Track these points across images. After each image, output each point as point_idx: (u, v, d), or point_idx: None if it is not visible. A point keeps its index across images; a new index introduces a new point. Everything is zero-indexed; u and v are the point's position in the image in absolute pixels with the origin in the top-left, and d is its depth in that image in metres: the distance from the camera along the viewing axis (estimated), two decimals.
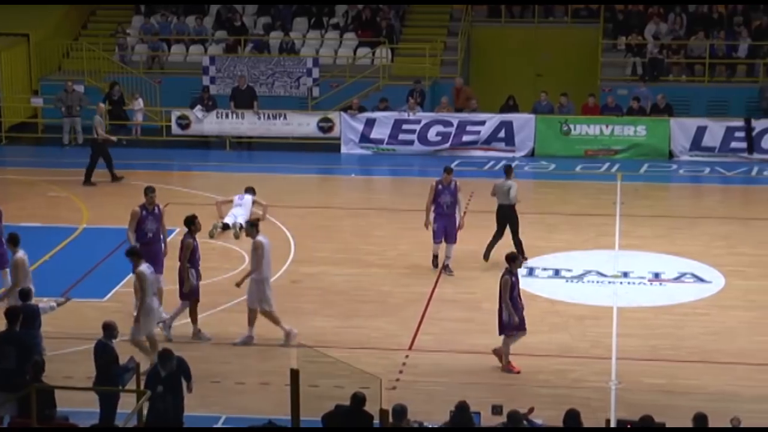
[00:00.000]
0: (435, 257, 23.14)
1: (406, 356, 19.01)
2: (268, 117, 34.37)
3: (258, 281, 19.18)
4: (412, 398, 16.40)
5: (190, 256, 19.44)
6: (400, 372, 18.27)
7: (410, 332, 20.00)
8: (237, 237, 25.01)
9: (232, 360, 18.72)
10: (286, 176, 31.29)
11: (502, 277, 18.19)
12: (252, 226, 19.53)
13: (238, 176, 29.99)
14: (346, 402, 14.55)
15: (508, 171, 23.97)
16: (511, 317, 18.12)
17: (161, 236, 20.66)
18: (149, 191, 20.87)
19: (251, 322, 19.32)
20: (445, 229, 22.91)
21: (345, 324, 20.41)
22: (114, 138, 31.14)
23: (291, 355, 14.67)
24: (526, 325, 18.38)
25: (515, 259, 18.45)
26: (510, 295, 18.12)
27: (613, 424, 14.98)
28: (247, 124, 34.41)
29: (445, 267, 22.95)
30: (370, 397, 14.37)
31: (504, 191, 23.53)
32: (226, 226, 25.59)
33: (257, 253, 19.12)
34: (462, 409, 14.30)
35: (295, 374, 14.07)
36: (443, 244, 23.02)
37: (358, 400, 14.43)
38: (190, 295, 19.59)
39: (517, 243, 23.30)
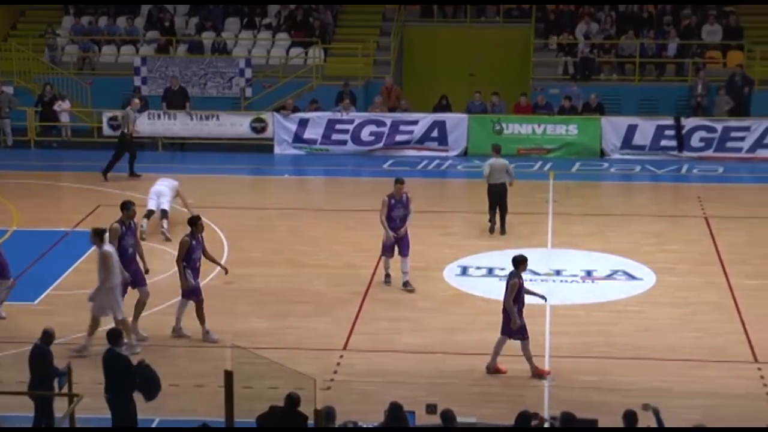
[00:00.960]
0: (388, 275, 22.29)
1: (341, 356, 19.01)
2: (201, 118, 34.23)
3: (108, 289, 18.79)
4: (346, 398, 16.42)
5: (186, 255, 19.32)
6: (335, 372, 18.28)
7: (344, 332, 20.01)
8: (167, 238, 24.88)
9: (166, 362, 18.59)
10: (220, 177, 31.19)
11: (509, 279, 18.00)
12: (96, 235, 18.89)
13: (171, 177, 29.80)
14: (281, 403, 14.53)
15: (497, 149, 25.59)
16: (513, 321, 17.89)
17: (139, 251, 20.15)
18: (129, 206, 20.06)
19: (92, 331, 18.88)
20: (397, 244, 22.10)
21: (279, 325, 20.37)
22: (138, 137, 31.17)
23: (225, 356, 14.61)
24: (528, 332, 18.11)
25: (523, 262, 18.15)
26: (516, 299, 17.90)
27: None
28: (180, 124, 34.25)
29: (405, 284, 22.03)
30: (305, 398, 14.35)
31: (502, 169, 25.15)
32: (150, 213, 25.50)
33: (106, 263, 18.68)
34: (395, 408, 14.33)
35: (229, 376, 14.04)
36: (395, 259, 22.14)
37: (293, 401, 14.42)
38: (190, 294, 19.48)
39: (504, 221, 25.12)
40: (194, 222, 19.59)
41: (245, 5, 38.62)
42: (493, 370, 18.24)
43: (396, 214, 22.03)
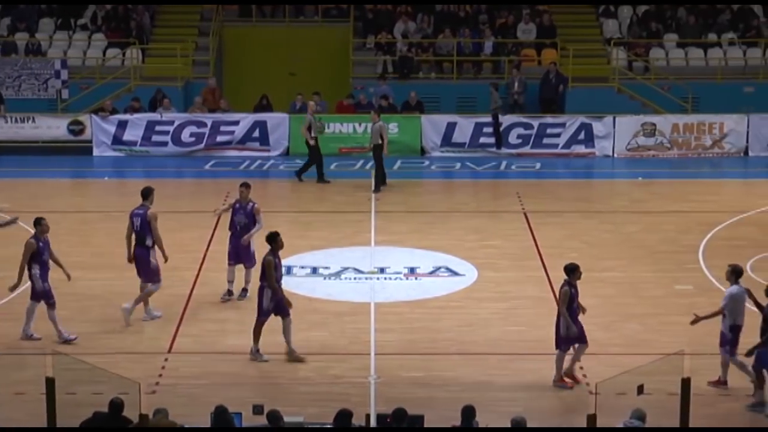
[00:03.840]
0: (231, 282, 21.49)
1: (166, 359, 18.80)
2: (16, 120, 33.50)
3: None
4: (172, 401, 16.21)
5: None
6: (160, 375, 18.06)
7: (169, 335, 19.80)
8: None
9: None
10: (38, 180, 30.55)
11: (561, 288, 17.58)
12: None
13: None
14: (105, 408, 14.31)
15: (377, 112, 29.52)
16: (569, 329, 17.45)
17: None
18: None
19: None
20: (238, 252, 21.31)
21: (102, 329, 20.05)
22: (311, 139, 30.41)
23: (46, 363, 14.32)
24: (586, 338, 17.73)
25: (574, 270, 17.67)
26: (569, 307, 17.47)
27: (372, 419, 15.13)
28: None
29: (244, 290, 21.47)
30: (130, 403, 14.16)
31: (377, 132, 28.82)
32: None
33: None
34: (220, 412, 14.25)
35: (50, 383, 13.76)
36: (238, 269, 21.42)
37: (116, 406, 14.22)
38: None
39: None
40: (273, 238, 18.93)
41: (60, 5, 37.87)
42: (558, 384, 17.72)
43: (238, 220, 21.31)
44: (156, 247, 20.58)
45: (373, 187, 29.33)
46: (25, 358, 18.67)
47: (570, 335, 17.53)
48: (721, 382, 17.58)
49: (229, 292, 21.49)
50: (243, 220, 21.29)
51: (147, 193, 21.09)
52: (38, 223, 19.53)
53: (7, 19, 37.65)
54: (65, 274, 19.72)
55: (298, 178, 30.42)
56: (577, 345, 17.76)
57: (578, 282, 17.82)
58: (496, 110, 33.63)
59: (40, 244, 19.34)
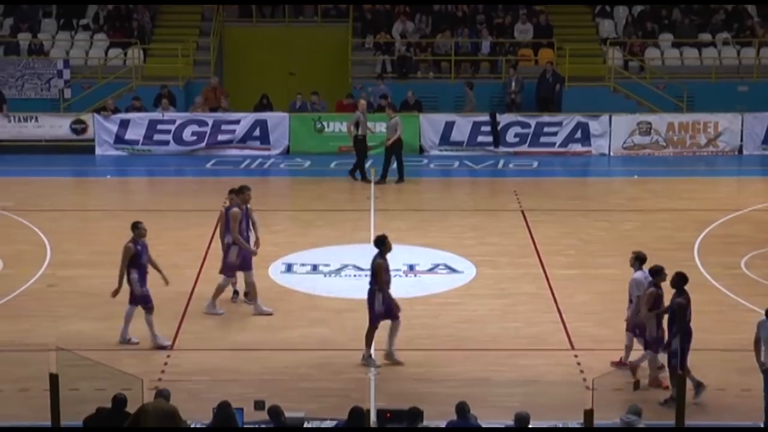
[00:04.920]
0: (236, 292, 21.18)
1: (168, 356, 18.81)
2: (19, 120, 33.49)
3: None
4: (174, 398, 16.18)
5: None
6: (162, 372, 18.07)
7: (171, 332, 19.79)
8: None
9: None
10: (40, 179, 30.55)
11: (647, 289, 17.33)
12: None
13: None
14: (108, 404, 14.33)
15: (393, 108, 30.08)
16: (652, 332, 17.19)
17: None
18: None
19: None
20: (246, 258, 20.58)
21: (104, 326, 20.03)
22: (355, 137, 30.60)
23: (50, 360, 14.33)
24: (662, 345, 17.22)
25: (659, 272, 17.37)
26: (653, 308, 17.16)
27: (373, 414, 15.13)
28: None
29: (246, 294, 20.95)
30: (133, 399, 14.19)
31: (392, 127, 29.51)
32: None
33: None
34: (223, 406, 14.26)
35: (54, 379, 13.76)
36: (239, 274, 20.91)
37: (119, 402, 14.26)
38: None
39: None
40: (382, 242, 18.50)
41: (63, 5, 37.87)
42: (654, 385, 17.43)
43: (242, 226, 20.73)
44: (235, 243, 20.20)
45: (381, 180, 29.92)
46: (28, 354, 18.64)
47: (659, 337, 17.21)
48: (623, 363, 17.86)
49: (236, 293, 21.26)
50: (246, 224, 20.78)
51: (237, 191, 20.58)
52: (136, 227, 19.17)
53: (10, 20, 37.63)
54: (163, 278, 19.43)
55: (352, 177, 30.39)
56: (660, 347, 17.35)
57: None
58: (472, 110, 33.90)
59: (138, 247, 19.01)
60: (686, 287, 17.04)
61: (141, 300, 19.01)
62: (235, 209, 20.26)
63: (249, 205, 20.76)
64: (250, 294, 20.57)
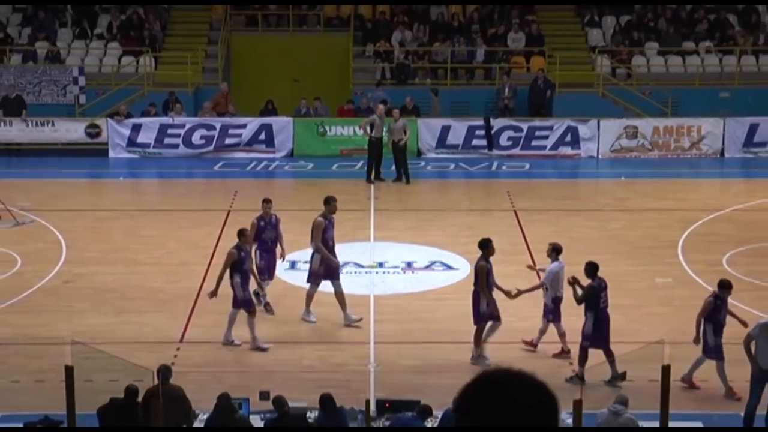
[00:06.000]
0: (265, 295, 20.43)
1: (178, 348, 18.82)
2: (36, 124, 33.48)
3: None
4: (183, 387, 16.22)
5: (487, 279, 18.24)
6: (172, 363, 18.00)
7: (181, 326, 19.81)
8: None
9: (6, 360, 18.18)
10: (56, 180, 30.54)
11: (707, 300, 17.16)
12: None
13: (8, 182, 29.15)
14: (121, 395, 14.34)
15: (399, 110, 30.10)
16: (713, 339, 17.00)
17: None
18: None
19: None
20: (270, 267, 20.43)
21: (117, 320, 20.06)
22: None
23: (65, 352, 14.34)
24: (723, 354, 16.91)
25: (729, 287, 17.16)
26: (711, 318, 16.97)
27: (372, 404, 15.15)
28: (16, 131, 33.41)
29: (267, 305, 20.41)
30: (144, 389, 14.20)
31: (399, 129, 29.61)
32: None
33: None
34: (223, 398, 14.30)
35: (69, 371, 13.77)
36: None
37: (131, 392, 14.28)
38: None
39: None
40: (486, 245, 18.42)
41: (78, 15, 37.86)
42: (688, 384, 17.33)
43: (267, 236, 20.40)
44: (318, 251, 19.74)
45: (405, 181, 30.10)
46: (45, 347, 18.66)
47: (717, 345, 17.06)
48: (534, 344, 18.54)
49: (260, 301, 20.33)
50: (272, 235, 20.47)
51: (324, 201, 20.31)
52: (242, 234, 18.90)
53: (28, 29, 37.63)
54: (258, 285, 19.29)
55: (371, 180, 30.25)
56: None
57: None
58: (437, 115, 33.99)
59: (242, 254, 18.75)
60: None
61: (243, 304, 18.67)
62: (320, 219, 19.83)
63: (275, 220, 20.59)
64: (340, 303, 19.74)
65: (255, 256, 20.03)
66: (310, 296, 19.92)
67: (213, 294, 18.83)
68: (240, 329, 18.87)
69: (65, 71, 35.42)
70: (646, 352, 16.68)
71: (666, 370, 14.18)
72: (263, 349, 18.70)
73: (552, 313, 18.32)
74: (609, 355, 17.47)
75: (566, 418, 13.93)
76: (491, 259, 18.43)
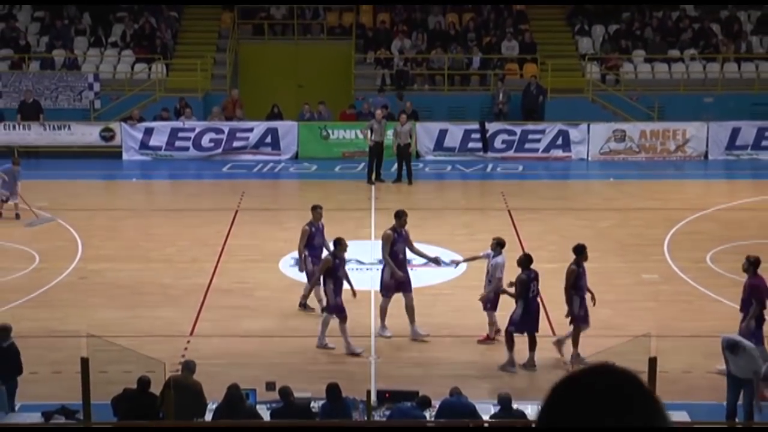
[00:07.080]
0: (320, 300, 19.58)
1: (188, 341, 18.83)
2: (54, 128, 33.46)
3: None
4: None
5: (575, 282, 17.80)
6: (183, 356, 18.04)
7: (190, 320, 19.81)
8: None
9: (25, 352, 18.11)
10: (72, 182, 30.53)
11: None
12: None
13: (26, 183, 29.08)
14: (134, 385, 14.34)
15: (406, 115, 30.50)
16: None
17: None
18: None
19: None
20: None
21: (130, 315, 20.06)
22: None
23: (81, 345, 14.35)
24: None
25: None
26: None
27: (373, 394, 15.15)
28: (34, 135, 33.39)
29: (306, 305, 20.19)
30: (156, 380, 14.19)
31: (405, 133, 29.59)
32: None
33: None
34: (233, 388, 14.30)
35: (85, 362, 13.78)
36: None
37: (144, 383, 14.29)
38: (579, 320, 18.01)
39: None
40: (581, 251, 18.01)
41: (94, 22, 37.86)
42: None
43: (318, 242, 20.15)
44: (388, 264, 19.12)
45: (407, 181, 30.10)
46: (62, 340, 18.66)
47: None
48: (490, 338, 18.64)
49: (305, 306, 20.15)
50: (321, 240, 20.22)
51: (395, 215, 19.66)
52: (339, 243, 18.54)
53: (45, 38, 37.63)
54: (352, 291, 18.79)
55: (371, 181, 30.19)
56: None
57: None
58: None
59: (336, 261, 18.49)
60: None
61: (334, 309, 18.33)
62: (389, 232, 19.26)
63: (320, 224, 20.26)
64: (409, 317, 19.19)
65: (306, 261, 19.75)
66: (383, 309, 19.25)
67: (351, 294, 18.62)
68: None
69: (81, 78, 35.41)
70: (633, 345, 16.68)
71: (653, 362, 14.18)
72: (357, 354, 18.26)
73: (491, 302, 18.46)
74: (533, 342, 17.54)
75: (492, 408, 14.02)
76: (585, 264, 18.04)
